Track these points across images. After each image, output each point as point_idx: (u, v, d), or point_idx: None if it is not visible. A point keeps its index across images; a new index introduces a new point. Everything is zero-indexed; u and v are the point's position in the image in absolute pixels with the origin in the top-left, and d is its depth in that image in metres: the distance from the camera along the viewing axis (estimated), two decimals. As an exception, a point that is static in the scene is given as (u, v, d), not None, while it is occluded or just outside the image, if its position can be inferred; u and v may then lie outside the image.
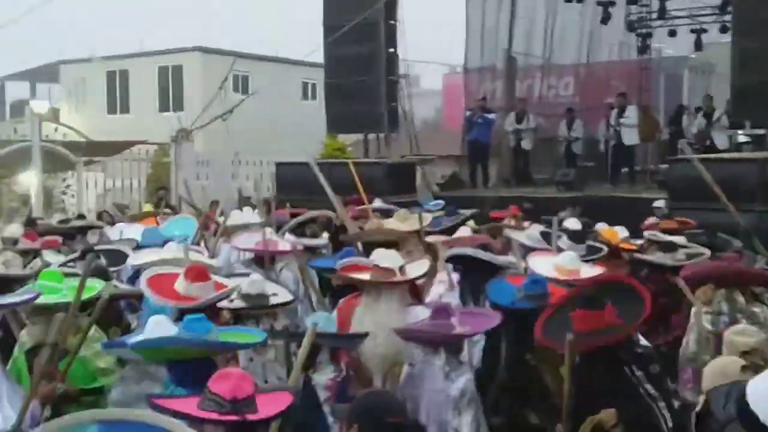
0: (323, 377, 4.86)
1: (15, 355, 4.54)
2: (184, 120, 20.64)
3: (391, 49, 18.23)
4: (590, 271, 6.24)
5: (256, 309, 5.38)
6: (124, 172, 21.25)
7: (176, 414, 3.07)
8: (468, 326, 4.86)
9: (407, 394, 4.66)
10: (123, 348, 4.33)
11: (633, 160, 16.78)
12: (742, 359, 4.24)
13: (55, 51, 34.18)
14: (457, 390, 4.60)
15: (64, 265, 6.14)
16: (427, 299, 5.89)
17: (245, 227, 8.19)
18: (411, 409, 4.60)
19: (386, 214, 9.92)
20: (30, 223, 10.06)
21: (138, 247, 7.44)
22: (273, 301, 5.42)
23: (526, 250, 7.07)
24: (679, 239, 7.85)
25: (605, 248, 7.75)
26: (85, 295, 4.48)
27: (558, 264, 6.18)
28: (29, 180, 19.40)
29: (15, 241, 7.81)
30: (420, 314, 5.23)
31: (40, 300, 4.44)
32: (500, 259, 6.27)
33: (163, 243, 7.25)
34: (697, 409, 4.18)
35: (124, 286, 6.17)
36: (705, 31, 19.95)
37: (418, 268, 5.82)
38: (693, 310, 5.80)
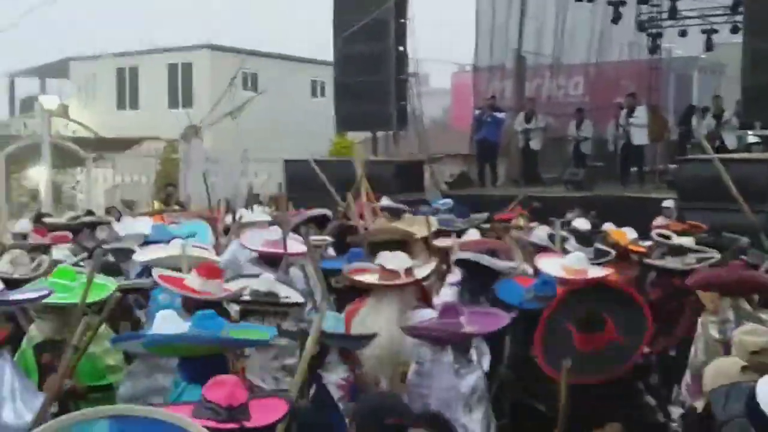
0: (335, 377, 4.83)
1: (23, 349, 4.55)
2: (193, 117, 20.70)
3: (401, 48, 18.23)
4: (598, 273, 6.22)
5: (264, 306, 5.36)
6: (133, 169, 21.33)
7: None
8: (476, 325, 4.84)
9: (416, 393, 4.66)
10: (133, 342, 4.34)
11: (642, 160, 16.70)
12: (749, 360, 4.22)
13: (64, 49, 34.20)
14: (467, 387, 4.59)
15: (75, 265, 6.14)
16: (436, 301, 5.86)
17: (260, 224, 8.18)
18: (420, 408, 4.59)
19: (395, 212, 9.90)
20: (39, 218, 10.07)
21: (146, 243, 7.43)
22: (283, 300, 5.38)
23: (537, 250, 7.06)
24: (687, 241, 7.81)
25: (612, 252, 7.73)
26: (97, 295, 4.51)
27: (565, 264, 6.17)
28: (39, 175, 19.50)
29: (24, 237, 7.82)
30: (426, 317, 5.21)
31: (52, 298, 4.45)
32: (500, 265, 6.18)
33: (170, 240, 7.23)
34: (699, 410, 4.17)
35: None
36: (716, 31, 19.87)
37: (425, 270, 5.80)
38: (700, 319, 5.76)
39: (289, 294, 5.50)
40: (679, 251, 7.51)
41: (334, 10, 18.37)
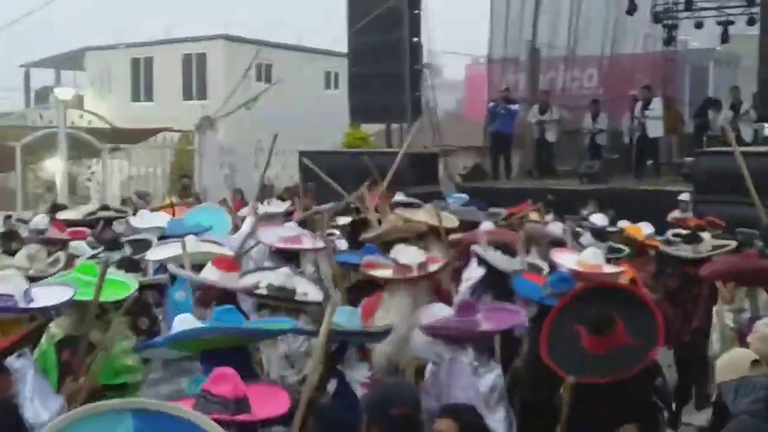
0: (359, 375, 4.80)
1: (43, 347, 4.58)
2: (207, 108, 20.73)
3: (415, 39, 18.18)
4: (613, 269, 6.21)
5: (277, 301, 5.35)
6: (148, 160, 21.36)
7: None
8: (493, 322, 4.83)
9: (433, 393, 4.63)
10: (155, 347, 4.37)
11: (657, 153, 16.61)
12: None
13: (79, 40, 34.24)
14: (486, 386, 4.56)
15: (92, 257, 6.17)
16: (456, 298, 5.82)
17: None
18: (439, 408, 4.58)
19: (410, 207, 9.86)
20: (54, 209, 10.11)
21: (163, 237, 7.47)
22: (299, 298, 5.35)
23: (553, 244, 7.06)
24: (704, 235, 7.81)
25: (626, 249, 7.71)
26: (118, 294, 4.53)
27: (581, 260, 6.16)
28: (55, 167, 19.56)
29: (41, 232, 7.86)
30: (439, 312, 5.18)
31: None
32: (502, 264, 6.15)
33: (186, 234, 7.25)
34: (713, 399, 4.20)
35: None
36: (732, 23, 19.70)
37: (438, 264, 5.78)
38: (715, 308, 5.77)
39: (307, 290, 5.44)
40: (694, 239, 7.50)
41: (348, 1, 18.34)
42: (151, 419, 2.50)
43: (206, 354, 4.08)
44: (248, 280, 5.51)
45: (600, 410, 4.25)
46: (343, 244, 8.10)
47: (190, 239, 6.64)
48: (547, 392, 4.50)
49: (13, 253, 6.84)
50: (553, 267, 6.20)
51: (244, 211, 9.10)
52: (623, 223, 8.92)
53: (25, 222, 8.88)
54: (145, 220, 8.48)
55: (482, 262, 6.07)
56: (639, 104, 16.16)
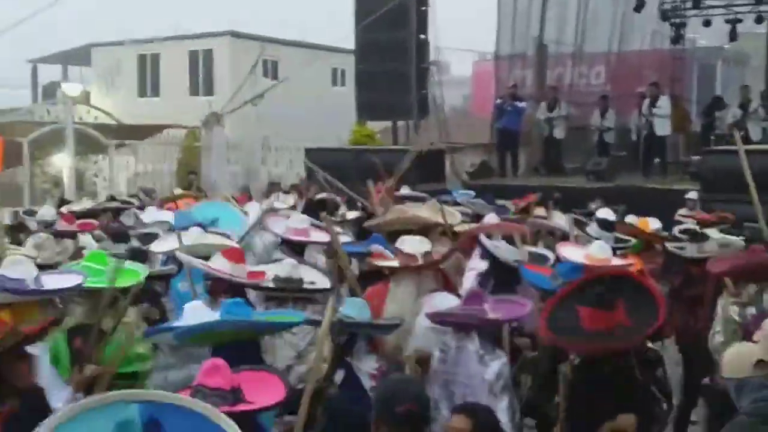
0: (367, 366, 4.78)
1: (54, 335, 4.58)
2: (214, 104, 20.74)
3: (422, 36, 18.17)
4: (621, 262, 6.20)
5: (285, 292, 5.35)
6: (155, 156, 21.37)
7: None
8: (500, 312, 4.83)
9: (440, 380, 4.65)
10: (165, 334, 4.37)
11: (665, 151, 16.57)
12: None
13: (86, 36, 34.33)
14: (492, 374, 4.57)
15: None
16: (462, 289, 5.83)
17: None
18: (444, 396, 4.60)
19: (416, 201, 9.87)
20: (61, 204, 10.15)
21: (170, 230, 7.48)
22: (307, 286, 5.35)
23: (559, 237, 7.05)
24: (711, 232, 7.79)
25: (632, 240, 7.70)
26: (128, 281, 4.54)
27: (589, 253, 6.15)
28: (62, 162, 19.60)
29: (48, 224, 7.89)
30: (445, 301, 5.20)
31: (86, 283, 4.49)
32: (505, 255, 6.14)
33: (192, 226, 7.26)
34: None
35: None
36: (740, 21, 19.60)
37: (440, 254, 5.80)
38: (720, 301, 5.76)
39: (314, 279, 5.45)
40: (700, 238, 7.49)
41: (355, -3, 18.35)
42: (157, 410, 2.50)
43: (216, 347, 4.09)
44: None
45: (600, 410, 4.24)
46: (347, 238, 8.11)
47: (195, 230, 6.65)
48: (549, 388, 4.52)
49: (22, 245, 6.86)
50: (559, 260, 6.19)
51: (248, 206, 9.13)
52: (629, 219, 8.91)
53: (33, 214, 8.90)
54: (153, 215, 8.52)
55: (486, 252, 6.07)
56: (646, 101, 16.11)
